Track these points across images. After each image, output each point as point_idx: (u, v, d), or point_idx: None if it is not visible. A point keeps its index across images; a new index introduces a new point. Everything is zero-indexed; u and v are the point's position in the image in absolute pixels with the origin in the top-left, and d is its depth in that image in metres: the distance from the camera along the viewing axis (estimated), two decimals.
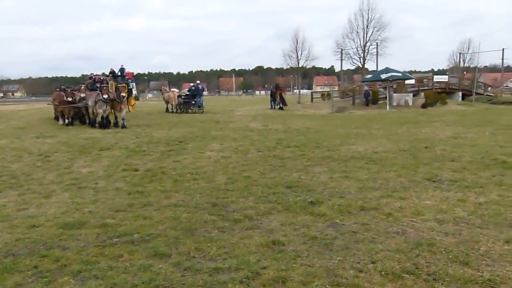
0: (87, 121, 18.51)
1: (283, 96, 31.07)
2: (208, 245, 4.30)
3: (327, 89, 61.54)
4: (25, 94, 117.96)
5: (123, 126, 16.74)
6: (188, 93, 27.62)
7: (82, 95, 18.15)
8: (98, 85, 22.99)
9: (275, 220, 5.05)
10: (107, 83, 23.89)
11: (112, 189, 6.76)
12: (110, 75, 27.24)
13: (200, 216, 5.25)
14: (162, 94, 29.59)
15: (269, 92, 36.40)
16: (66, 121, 18.19)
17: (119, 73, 27.37)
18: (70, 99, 18.05)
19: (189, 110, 25.74)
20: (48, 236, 4.64)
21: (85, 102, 18.10)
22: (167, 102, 27.51)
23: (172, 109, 26.84)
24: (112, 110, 17.38)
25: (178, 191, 6.54)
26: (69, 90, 18.75)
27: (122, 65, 28.30)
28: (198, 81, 29.09)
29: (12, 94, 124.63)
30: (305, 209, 5.40)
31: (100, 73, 27.83)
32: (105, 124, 16.85)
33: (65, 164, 8.98)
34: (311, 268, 3.73)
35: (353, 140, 11.97)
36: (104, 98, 16.67)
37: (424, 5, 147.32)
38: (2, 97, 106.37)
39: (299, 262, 3.86)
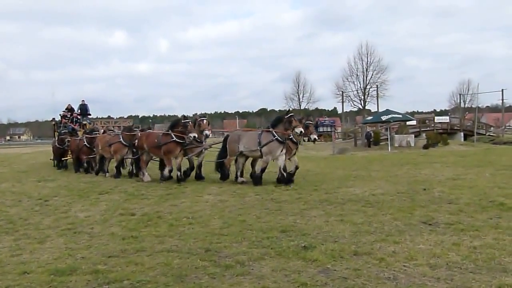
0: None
1: None
2: None
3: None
4: (31, 137, 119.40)
5: (292, 175, 11.90)
6: None
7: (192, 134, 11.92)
8: (76, 127, 20.25)
9: (266, 266, 5.01)
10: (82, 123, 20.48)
11: (107, 234, 6.76)
12: (68, 112, 22.05)
13: (192, 261, 5.23)
14: None
15: None
16: (178, 173, 12.54)
17: (79, 111, 21.99)
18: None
19: None
20: (39, 283, 4.62)
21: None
22: None
23: None
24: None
25: (172, 236, 6.52)
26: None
27: (83, 100, 22.51)
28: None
29: (19, 137, 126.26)
30: (297, 254, 5.37)
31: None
32: (285, 178, 11.56)
33: (63, 208, 9.02)
34: None
35: (352, 182, 11.97)
36: (299, 131, 11.12)
37: (427, 47, 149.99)
38: (8, 140, 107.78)
39: None
